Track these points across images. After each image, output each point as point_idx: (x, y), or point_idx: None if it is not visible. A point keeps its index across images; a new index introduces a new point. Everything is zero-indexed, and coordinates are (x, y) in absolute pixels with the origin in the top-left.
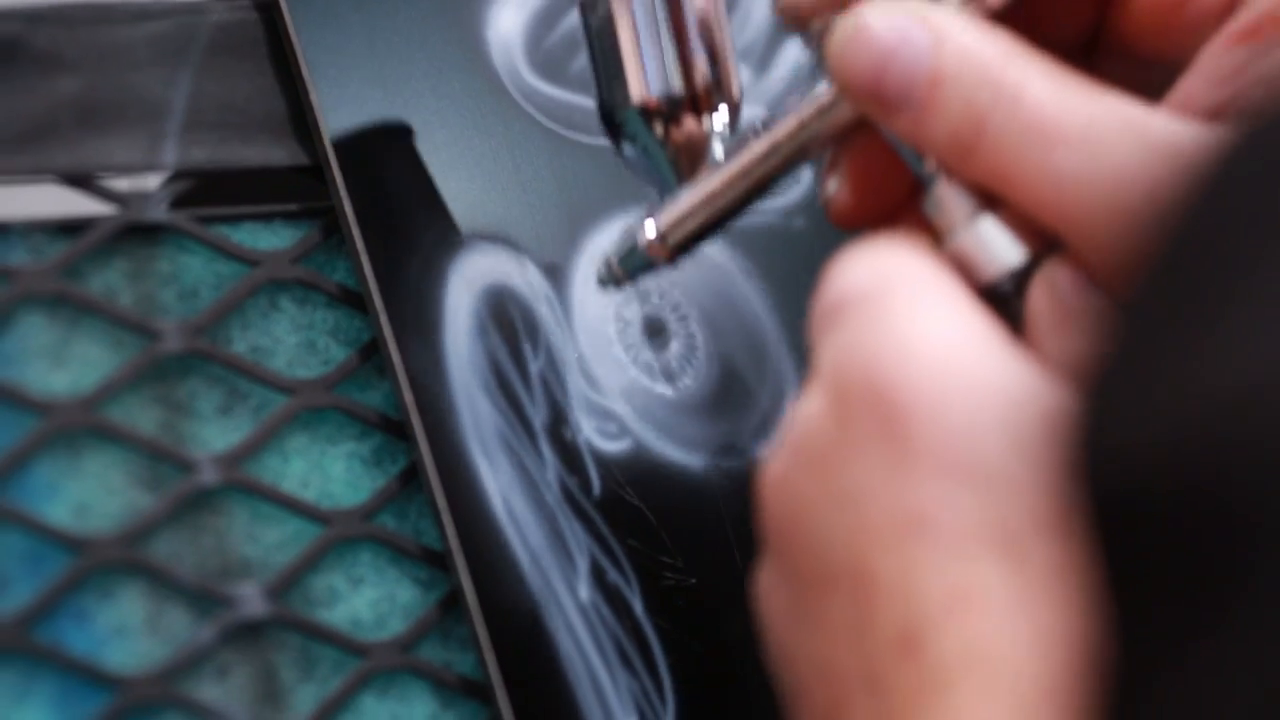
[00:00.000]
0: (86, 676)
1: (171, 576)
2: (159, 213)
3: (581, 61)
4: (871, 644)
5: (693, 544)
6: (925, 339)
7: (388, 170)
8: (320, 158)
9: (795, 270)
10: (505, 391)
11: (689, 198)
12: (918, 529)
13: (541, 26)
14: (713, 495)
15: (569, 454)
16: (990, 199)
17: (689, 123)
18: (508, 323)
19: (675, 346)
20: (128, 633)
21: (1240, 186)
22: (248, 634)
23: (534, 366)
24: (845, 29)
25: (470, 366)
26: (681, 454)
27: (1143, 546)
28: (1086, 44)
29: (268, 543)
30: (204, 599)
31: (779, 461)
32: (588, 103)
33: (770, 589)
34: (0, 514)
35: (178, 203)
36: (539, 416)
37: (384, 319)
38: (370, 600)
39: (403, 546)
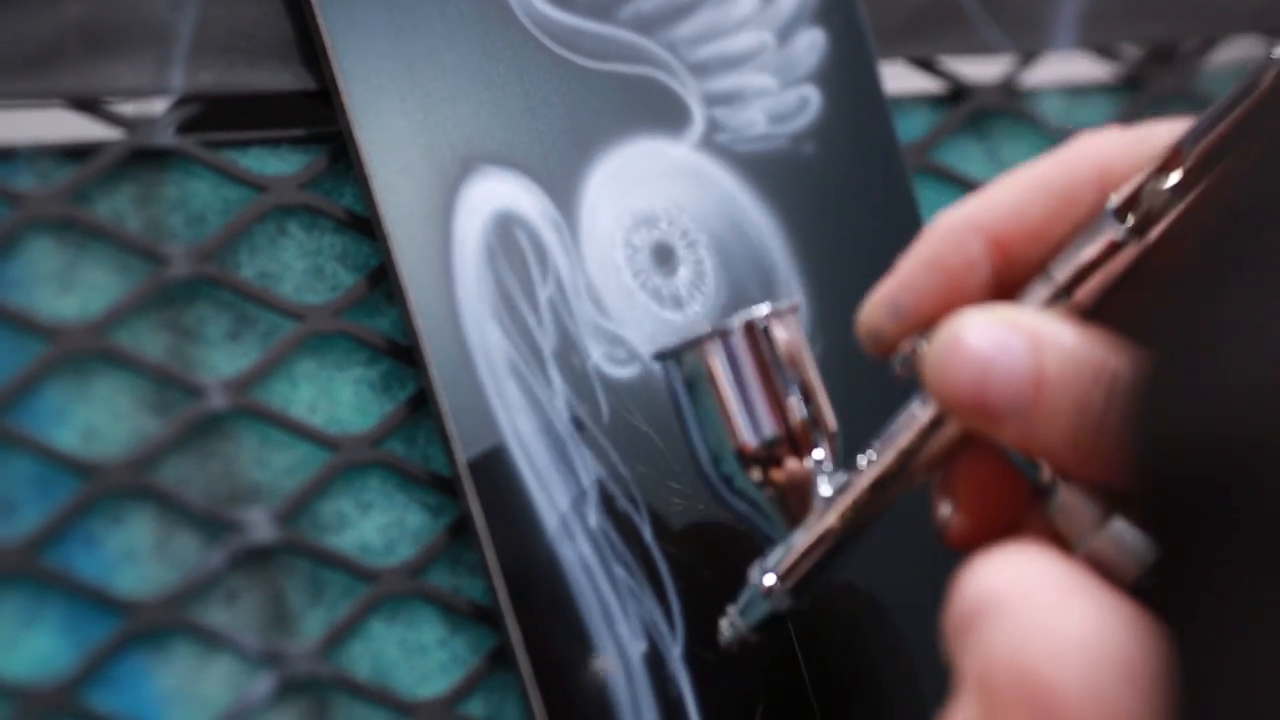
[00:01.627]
0: (95, 600)
1: (180, 501)
2: (166, 137)
3: None
4: None
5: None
6: (1074, 634)
7: (396, 95)
8: (328, 82)
9: (804, 196)
10: (514, 317)
11: (802, 540)
12: None
13: None
14: None
15: (578, 380)
16: (1115, 495)
17: (790, 463)
18: (516, 248)
19: (684, 272)
20: (136, 557)
21: None
22: (256, 559)
23: (542, 292)
24: (940, 345)
25: (479, 292)
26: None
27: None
28: None
29: (276, 468)
30: (212, 524)
31: None
32: (596, 28)
33: None
34: (9, 438)
35: (185, 127)
36: (548, 342)
37: (392, 244)
38: (379, 525)
39: (411, 472)
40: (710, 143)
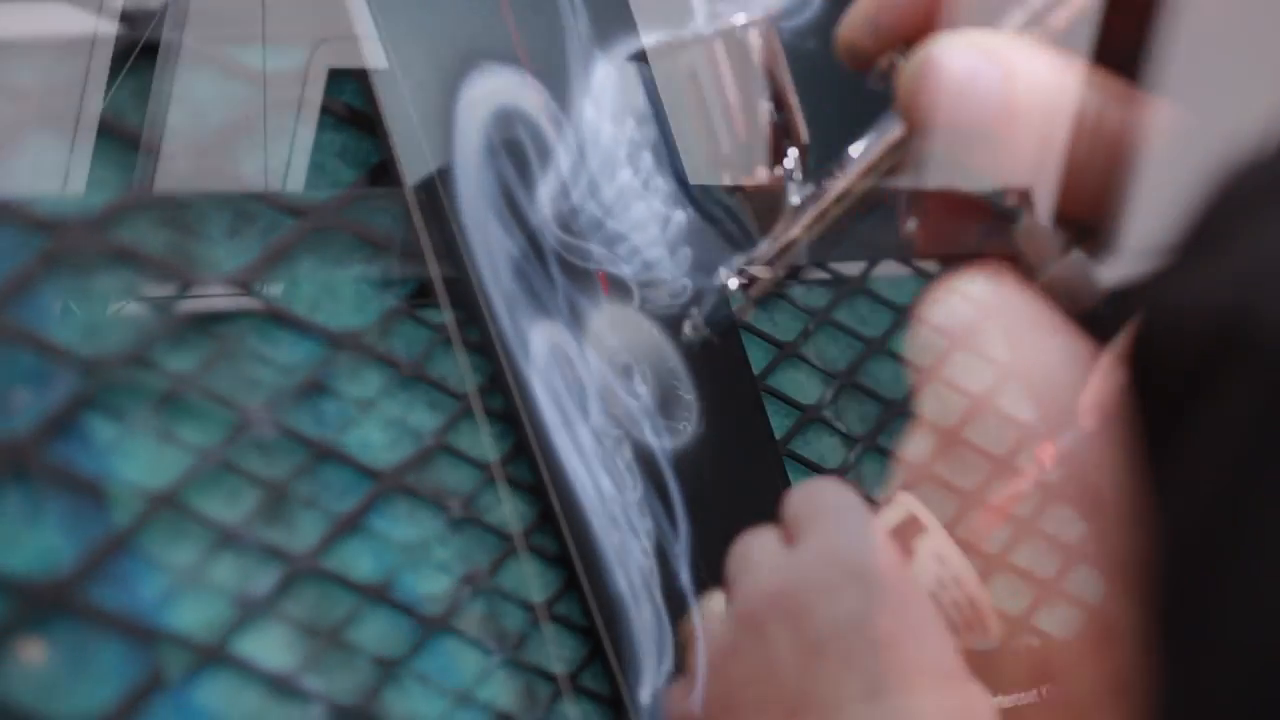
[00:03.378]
0: (95, 497)
1: (181, 398)
2: (166, 32)
3: None
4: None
5: (705, 367)
6: (1037, 373)
7: None
8: None
9: (805, 92)
10: (515, 214)
11: (766, 247)
12: None
13: None
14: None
15: (580, 276)
16: (1076, 224)
17: (760, 170)
18: (517, 145)
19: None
20: (137, 454)
21: None
22: (258, 456)
23: (544, 189)
24: (915, 68)
25: (480, 189)
26: (693, 275)
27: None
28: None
29: (277, 365)
30: (213, 421)
31: None
32: None
33: None
34: (9, 334)
35: (184, 22)
36: (549, 238)
37: (393, 141)
38: (380, 423)
39: (413, 370)
40: None
